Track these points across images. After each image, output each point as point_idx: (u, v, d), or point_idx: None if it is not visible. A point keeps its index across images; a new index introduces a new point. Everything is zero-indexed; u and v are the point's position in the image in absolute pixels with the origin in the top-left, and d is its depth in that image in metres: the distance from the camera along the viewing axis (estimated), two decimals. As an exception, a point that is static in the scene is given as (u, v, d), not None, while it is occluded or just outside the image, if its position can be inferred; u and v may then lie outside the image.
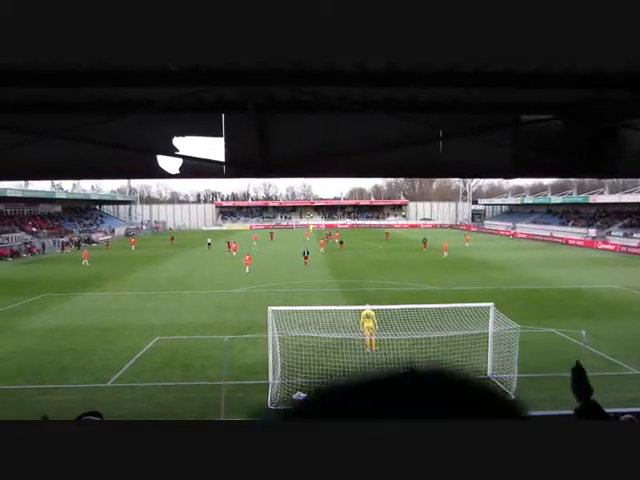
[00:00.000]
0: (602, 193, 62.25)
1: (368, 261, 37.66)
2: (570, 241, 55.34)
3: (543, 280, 28.35)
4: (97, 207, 78.46)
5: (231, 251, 42.46)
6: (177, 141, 5.41)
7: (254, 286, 26.09)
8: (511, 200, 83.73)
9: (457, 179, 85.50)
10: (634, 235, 50.08)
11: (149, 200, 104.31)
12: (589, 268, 34.51)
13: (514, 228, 70.82)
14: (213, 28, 2.61)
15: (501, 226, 76.12)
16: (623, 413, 6.00)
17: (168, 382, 12.56)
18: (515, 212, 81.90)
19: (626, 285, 26.24)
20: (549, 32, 2.60)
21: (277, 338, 12.20)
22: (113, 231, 68.26)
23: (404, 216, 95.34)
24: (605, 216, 60.15)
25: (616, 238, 51.66)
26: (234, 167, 5.60)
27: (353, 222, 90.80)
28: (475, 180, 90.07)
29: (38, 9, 2.39)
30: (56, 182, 61.74)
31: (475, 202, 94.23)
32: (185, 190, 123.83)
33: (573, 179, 62.99)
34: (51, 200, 61.31)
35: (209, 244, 48.23)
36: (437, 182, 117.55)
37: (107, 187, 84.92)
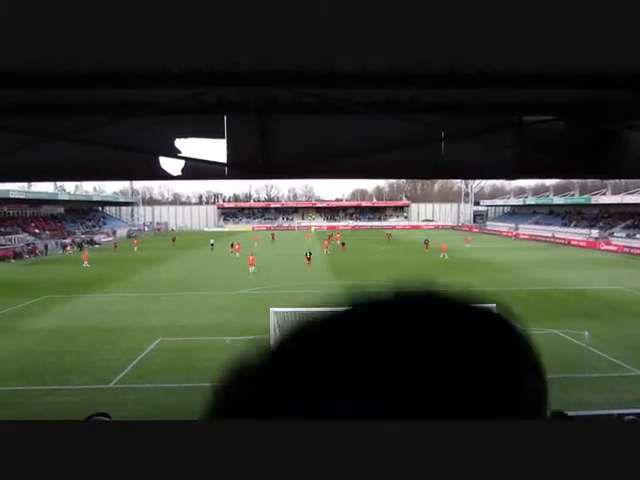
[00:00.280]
0: (604, 194, 62.15)
1: (370, 262, 37.63)
2: (572, 242, 55.23)
3: (546, 281, 28.29)
4: (99, 208, 78.63)
5: (234, 252, 42.65)
6: (179, 142, 5.42)
7: (257, 287, 26.09)
8: (513, 201, 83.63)
9: (459, 180, 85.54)
10: (637, 236, 49.95)
11: (151, 201, 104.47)
12: (592, 269, 34.43)
13: (516, 229, 70.71)
14: (214, 30, 2.62)
15: (503, 227, 76.01)
16: (626, 414, 5.98)
17: (171, 384, 12.57)
18: (517, 213, 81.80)
19: (629, 286, 26.17)
20: (550, 33, 2.60)
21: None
22: (115, 232, 68.36)
23: (406, 217, 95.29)
24: (607, 217, 60.02)
25: (619, 239, 51.54)
26: (236, 168, 5.60)
27: (355, 223, 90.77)
28: (477, 181, 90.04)
29: (40, 11, 2.40)
30: (59, 184, 61.86)
31: (477, 203, 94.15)
32: (187, 191, 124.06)
33: (575, 180, 62.90)
34: (54, 202, 61.47)
35: (212, 245, 48.28)
36: (439, 183, 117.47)
37: (109, 189, 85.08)
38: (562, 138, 5.38)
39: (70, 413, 10.10)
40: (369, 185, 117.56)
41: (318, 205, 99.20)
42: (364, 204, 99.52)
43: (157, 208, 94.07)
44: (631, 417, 5.25)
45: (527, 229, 68.77)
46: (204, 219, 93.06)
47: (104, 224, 72.64)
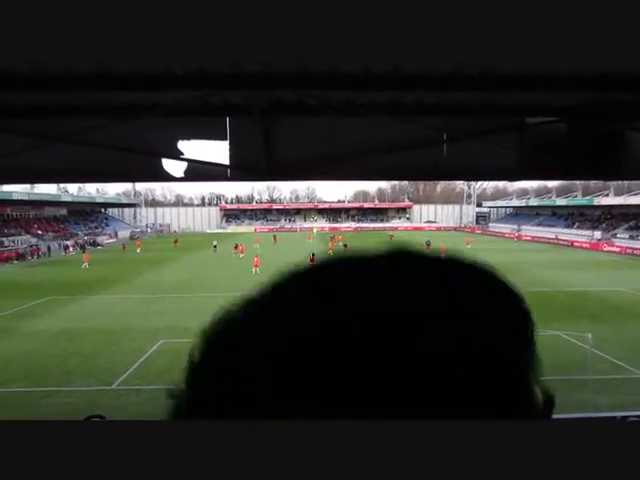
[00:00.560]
0: (607, 195, 62.07)
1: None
2: (575, 243, 55.11)
3: (548, 282, 28.22)
4: (102, 210, 78.79)
5: (238, 253, 42.81)
6: (182, 144, 5.43)
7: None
8: (516, 202, 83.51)
9: (461, 182, 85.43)
10: (640, 237, 49.85)
11: (154, 203, 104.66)
12: (595, 270, 34.34)
13: (519, 230, 70.60)
14: (218, 32, 2.63)
15: (506, 228, 75.89)
16: (630, 416, 5.96)
17: (173, 385, 12.55)
18: (520, 214, 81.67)
19: (632, 288, 26.08)
20: (555, 34, 2.60)
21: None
22: (117, 234, 68.52)
23: (408, 219, 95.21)
24: (610, 218, 59.88)
25: (622, 240, 51.40)
26: (239, 170, 5.61)
27: (357, 225, 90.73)
28: (479, 183, 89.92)
29: (43, 13, 2.41)
30: (61, 185, 62.07)
31: (479, 205, 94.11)
32: (190, 193, 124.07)
33: (578, 181, 62.80)
34: (57, 203, 61.65)
35: (214, 247, 48.32)
36: (441, 185, 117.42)
37: (112, 190, 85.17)
38: (565, 139, 5.37)
39: (72, 414, 10.11)
40: (371, 187, 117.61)
41: (320, 207, 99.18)
42: (366, 206, 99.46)
43: (160, 210, 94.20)
44: (635, 419, 5.23)
45: (530, 230, 68.63)
46: (206, 221, 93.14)
47: (107, 225, 72.79)
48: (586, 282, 28.56)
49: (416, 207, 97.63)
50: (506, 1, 2.31)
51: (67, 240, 54.17)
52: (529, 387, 0.41)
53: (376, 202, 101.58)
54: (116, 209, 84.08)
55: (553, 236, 60.43)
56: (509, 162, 5.70)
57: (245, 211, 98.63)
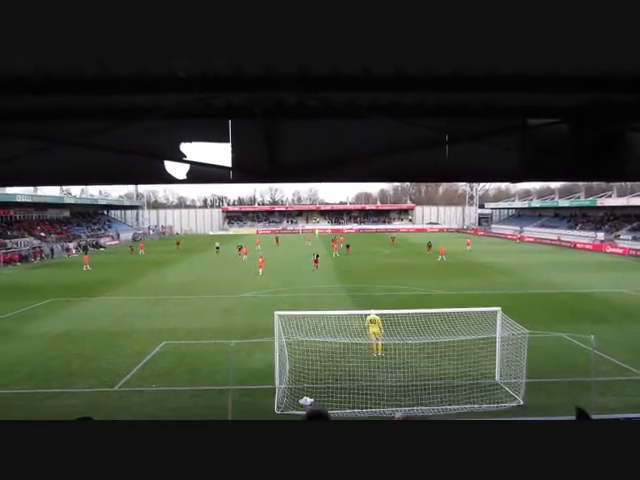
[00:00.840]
0: (610, 196, 61.93)
1: (375, 265, 37.60)
2: (578, 245, 54.99)
3: (551, 284, 28.18)
4: (105, 212, 78.97)
5: (242, 255, 42.99)
6: (184, 147, 5.44)
7: (262, 290, 26.11)
8: (518, 204, 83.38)
9: (464, 183, 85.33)
10: (643, 238, 49.69)
11: (156, 205, 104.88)
12: (598, 272, 34.27)
13: (521, 232, 70.47)
14: (220, 35, 2.64)
15: (508, 230, 75.78)
16: (634, 418, 5.94)
17: (175, 387, 12.58)
18: (522, 216, 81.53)
19: (636, 289, 26.02)
20: (556, 36, 2.60)
21: (284, 343, 12.20)
22: (119, 236, 68.67)
23: (410, 220, 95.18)
24: (613, 219, 59.71)
25: (625, 241, 51.27)
26: (241, 172, 5.62)
27: (359, 227, 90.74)
28: (482, 184, 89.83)
29: (46, 17, 2.43)
30: (64, 187, 62.25)
31: (482, 206, 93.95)
32: (192, 195, 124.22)
33: (581, 182, 62.64)
34: (59, 205, 61.85)
35: (217, 248, 48.39)
36: (443, 186, 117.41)
37: (115, 192, 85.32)
38: (567, 141, 5.37)
39: (75, 416, 10.12)
40: (373, 188, 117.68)
41: (322, 208, 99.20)
42: (368, 207, 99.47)
43: (162, 212, 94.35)
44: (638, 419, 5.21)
45: (532, 232, 68.51)
46: (209, 222, 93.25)
47: (109, 227, 72.95)
48: (589, 284, 28.49)
49: (418, 209, 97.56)
50: (507, 3, 2.31)
51: (70, 242, 54.31)
52: None
53: (378, 204, 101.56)
54: (118, 211, 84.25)
55: (556, 237, 60.32)
56: (511, 163, 5.70)
57: (247, 213, 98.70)
